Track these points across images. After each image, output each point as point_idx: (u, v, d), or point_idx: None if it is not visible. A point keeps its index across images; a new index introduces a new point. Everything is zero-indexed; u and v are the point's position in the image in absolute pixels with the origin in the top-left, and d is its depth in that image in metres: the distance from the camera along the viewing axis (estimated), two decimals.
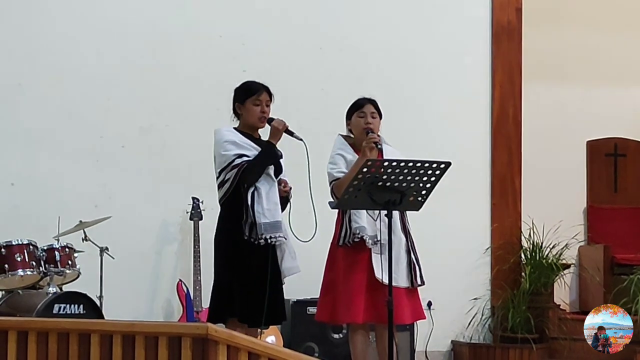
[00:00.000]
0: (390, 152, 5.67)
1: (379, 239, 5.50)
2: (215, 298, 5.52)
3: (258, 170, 5.44)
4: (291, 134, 5.54)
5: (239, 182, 5.42)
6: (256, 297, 5.39)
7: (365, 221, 5.54)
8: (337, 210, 5.63)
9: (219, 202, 5.55)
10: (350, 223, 5.56)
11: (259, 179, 5.45)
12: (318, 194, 5.56)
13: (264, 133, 5.65)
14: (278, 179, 5.55)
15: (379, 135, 5.73)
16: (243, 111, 5.59)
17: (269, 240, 5.42)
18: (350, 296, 5.51)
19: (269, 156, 5.49)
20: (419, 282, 5.64)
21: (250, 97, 5.57)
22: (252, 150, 5.46)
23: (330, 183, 5.64)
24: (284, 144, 5.62)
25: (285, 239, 5.50)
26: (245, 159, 5.42)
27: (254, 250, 5.41)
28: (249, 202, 5.42)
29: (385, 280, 5.32)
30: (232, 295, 5.42)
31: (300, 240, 5.55)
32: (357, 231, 5.52)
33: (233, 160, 5.42)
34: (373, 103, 5.77)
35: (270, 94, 5.61)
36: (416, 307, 5.69)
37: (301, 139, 5.47)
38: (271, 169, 5.51)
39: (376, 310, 5.44)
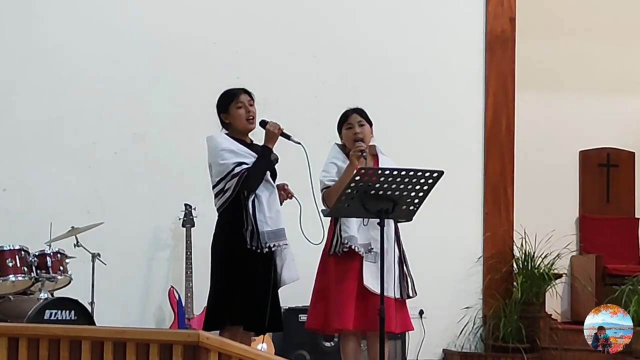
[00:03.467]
0: (385, 162, 5.67)
1: (372, 246, 5.50)
2: (213, 305, 5.48)
3: (259, 177, 5.41)
4: (287, 137, 5.50)
5: (240, 190, 5.40)
6: (258, 304, 5.38)
7: (356, 230, 5.54)
8: (329, 219, 5.63)
9: (217, 209, 5.51)
10: (341, 232, 5.56)
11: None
12: (313, 202, 5.56)
13: (257, 139, 5.63)
14: (277, 184, 5.53)
15: (374, 146, 5.75)
16: (230, 119, 5.56)
17: (273, 248, 5.40)
18: (341, 303, 5.51)
19: (267, 161, 5.47)
20: (410, 294, 5.65)
21: (231, 102, 5.55)
22: (249, 157, 5.43)
23: (322, 191, 5.65)
24: (279, 151, 5.60)
25: (287, 245, 5.49)
26: (245, 166, 5.38)
27: (255, 257, 5.38)
28: (250, 211, 5.39)
29: (374, 289, 5.36)
30: (230, 302, 5.38)
31: (312, 243, 5.52)
32: (346, 241, 5.53)
33: (233, 169, 5.37)
34: (358, 112, 5.76)
35: (249, 94, 5.59)
36: (404, 319, 5.69)
37: (299, 143, 5.44)
38: (271, 176, 5.50)
39: (367, 318, 5.44)
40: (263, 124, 5.52)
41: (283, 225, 5.45)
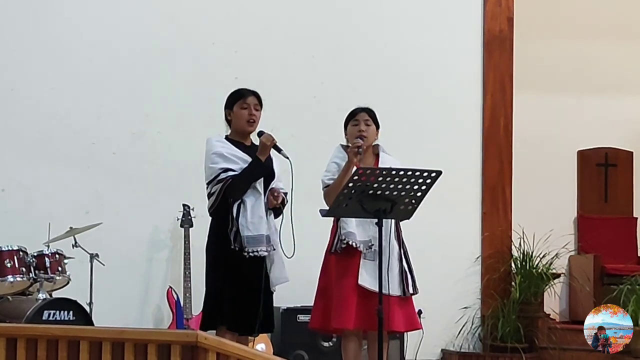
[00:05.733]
0: (387, 161, 5.67)
1: (372, 243, 5.50)
2: (207, 305, 5.51)
3: (243, 187, 5.43)
4: (279, 150, 5.50)
5: (224, 197, 5.41)
6: (247, 305, 5.39)
7: (354, 227, 5.54)
8: (332, 219, 5.63)
9: (208, 211, 5.55)
10: (340, 229, 5.57)
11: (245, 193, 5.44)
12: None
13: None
14: (270, 187, 5.53)
15: (377, 145, 5.77)
16: (232, 117, 5.59)
17: (251, 254, 5.39)
18: (342, 302, 5.50)
19: (256, 172, 5.46)
20: (411, 290, 5.63)
21: (237, 101, 5.57)
22: (239, 163, 5.43)
23: (323, 190, 5.65)
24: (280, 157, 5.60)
25: (274, 249, 5.48)
26: (231, 173, 5.39)
27: (242, 259, 5.40)
28: (234, 214, 5.41)
29: (370, 287, 5.36)
30: (222, 303, 5.41)
31: (286, 256, 5.52)
32: (344, 237, 5.53)
33: (219, 175, 5.41)
34: (367, 111, 5.77)
35: (258, 99, 5.60)
36: (410, 316, 5.67)
37: (287, 157, 5.44)
38: (259, 182, 5.49)
39: (368, 317, 5.42)
40: (259, 134, 5.53)
41: (264, 232, 5.43)
